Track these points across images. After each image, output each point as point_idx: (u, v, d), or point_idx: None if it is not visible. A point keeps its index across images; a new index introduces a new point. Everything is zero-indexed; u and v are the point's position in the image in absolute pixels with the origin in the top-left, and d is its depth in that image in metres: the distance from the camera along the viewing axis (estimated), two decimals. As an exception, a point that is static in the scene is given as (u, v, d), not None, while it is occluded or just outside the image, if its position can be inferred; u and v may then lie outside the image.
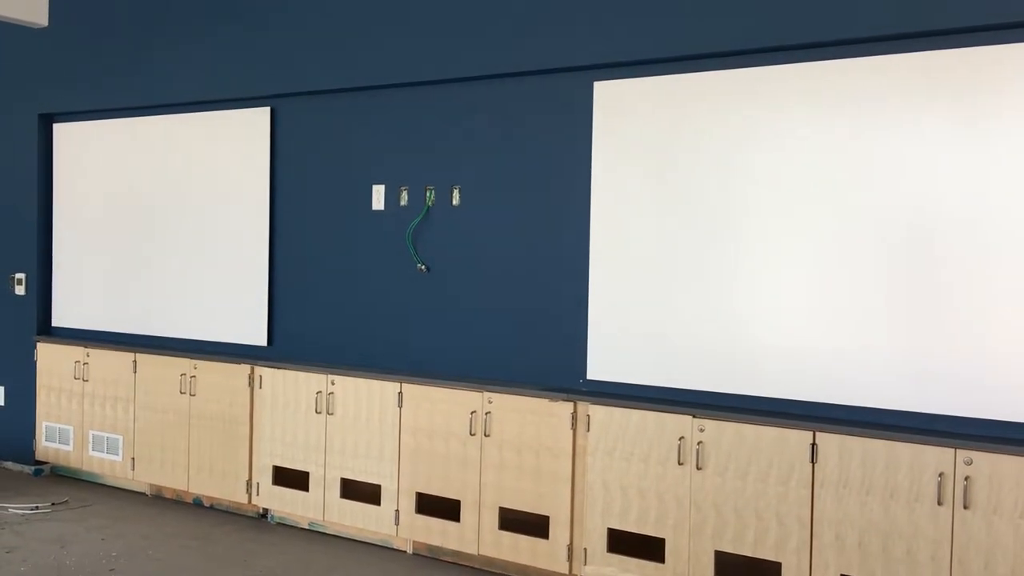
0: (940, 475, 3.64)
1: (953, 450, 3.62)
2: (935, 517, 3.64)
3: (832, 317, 4.01)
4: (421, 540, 4.92)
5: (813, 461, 3.89)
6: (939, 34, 3.77)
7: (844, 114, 3.98)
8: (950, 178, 3.77)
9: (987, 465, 3.56)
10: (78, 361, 6.29)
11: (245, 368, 5.55)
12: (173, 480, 5.84)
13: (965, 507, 3.58)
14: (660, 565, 4.21)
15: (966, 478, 3.59)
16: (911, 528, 3.68)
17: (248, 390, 5.53)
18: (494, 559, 4.69)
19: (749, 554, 4.01)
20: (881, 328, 3.90)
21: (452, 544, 4.79)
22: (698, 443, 4.14)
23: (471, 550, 4.73)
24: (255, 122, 5.71)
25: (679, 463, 4.18)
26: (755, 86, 4.17)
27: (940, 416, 3.78)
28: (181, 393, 5.79)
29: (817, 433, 3.89)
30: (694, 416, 4.16)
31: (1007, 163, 3.67)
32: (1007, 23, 3.64)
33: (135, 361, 6.01)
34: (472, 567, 4.77)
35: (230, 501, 5.64)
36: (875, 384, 3.91)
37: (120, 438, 6.08)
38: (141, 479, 6.01)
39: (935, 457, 3.65)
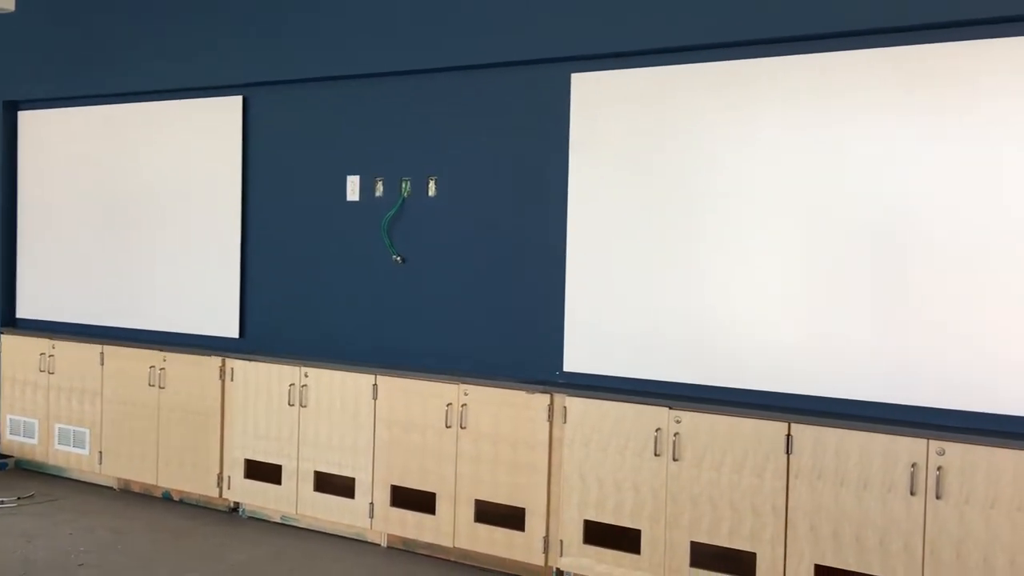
0: (913, 466, 3.68)
1: (926, 441, 3.67)
2: (908, 507, 3.69)
3: (807, 310, 4.04)
4: (396, 533, 4.89)
5: (788, 452, 3.92)
6: (914, 29, 3.81)
7: (821, 108, 4.01)
8: (925, 172, 3.82)
9: (959, 456, 3.61)
10: (43, 353, 6.17)
11: (216, 360, 5.48)
12: (142, 474, 5.75)
13: (937, 497, 3.63)
14: (636, 556, 4.22)
15: (938, 468, 3.64)
16: (884, 518, 3.73)
17: (219, 383, 5.46)
18: (470, 552, 4.68)
19: (724, 545, 4.04)
20: (856, 321, 3.94)
21: (427, 537, 4.77)
22: (674, 435, 4.15)
23: (447, 543, 4.71)
24: (227, 111, 5.63)
25: (655, 454, 4.19)
26: (733, 79, 4.19)
27: (913, 407, 3.83)
28: (150, 386, 5.70)
29: (792, 424, 3.92)
30: (670, 408, 4.18)
31: (982, 158, 3.72)
32: (981, 19, 3.68)
33: (103, 353, 5.92)
34: (448, 560, 4.76)
35: (200, 495, 5.57)
36: (849, 376, 3.95)
37: (87, 431, 5.98)
38: (109, 473, 5.91)
39: (908, 448, 3.70)
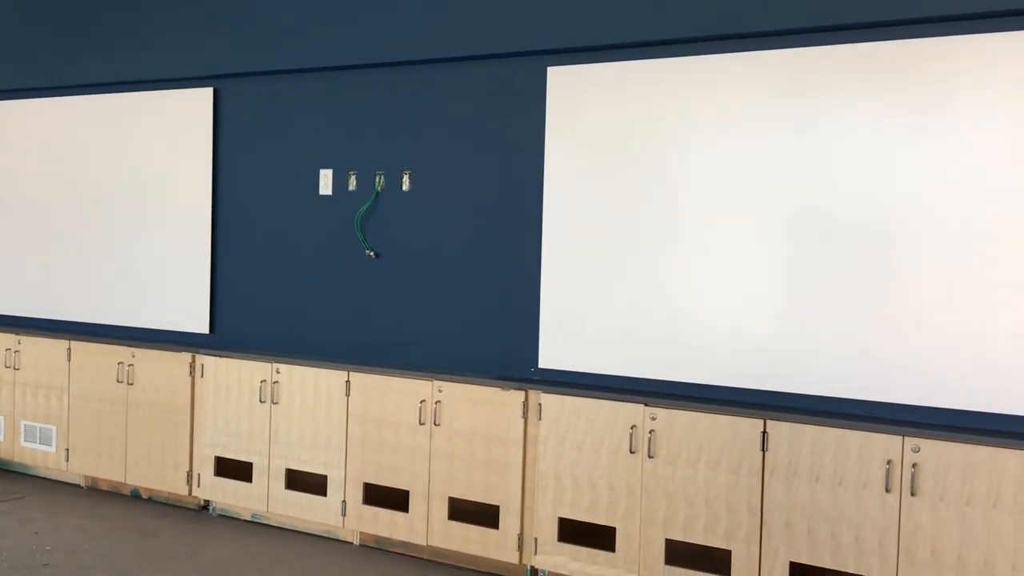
0: (888, 462, 3.68)
1: (901, 437, 3.66)
2: (883, 504, 3.68)
3: (783, 306, 4.03)
4: (369, 531, 4.83)
5: (764, 449, 3.91)
6: (893, 24, 3.79)
7: (798, 104, 3.99)
8: (902, 169, 3.81)
9: (934, 452, 3.60)
10: (8, 349, 6.05)
11: (186, 356, 5.39)
12: (110, 471, 5.65)
13: (912, 494, 3.63)
14: (611, 554, 4.19)
15: (913, 465, 3.63)
16: (859, 515, 3.72)
17: (189, 379, 5.37)
18: (443, 550, 4.63)
19: (700, 542, 4.02)
20: (832, 318, 3.92)
21: (400, 535, 4.72)
22: (650, 431, 4.12)
23: (420, 541, 4.66)
24: (197, 103, 5.54)
25: (631, 452, 4.16)
26: (710, 74, 4.16)
27: (889, 404, 3.82)
28: (118, 382, 5.60)
29: (768, 421, 3.91)
30: (646, 405, 4.15)
31: (954, 155, 3.71)
32: (952, 15, 3.67)
33: (69, 349, 5.80)
34: (421, 558, 4.71)
35: (170, 493, 5.48)
36: (825, 373, 3.94)
37: (53, 428, 5.87)
38: (76, 471, 5.81)
39: (883, 444, 3.69)
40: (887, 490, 3.67)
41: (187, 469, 5.37)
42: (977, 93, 3.66)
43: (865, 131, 3.86)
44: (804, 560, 3.82)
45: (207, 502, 5.40)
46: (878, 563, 3.68)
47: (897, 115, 3.80)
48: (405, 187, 4.94)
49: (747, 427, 3.94)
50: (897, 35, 3.80)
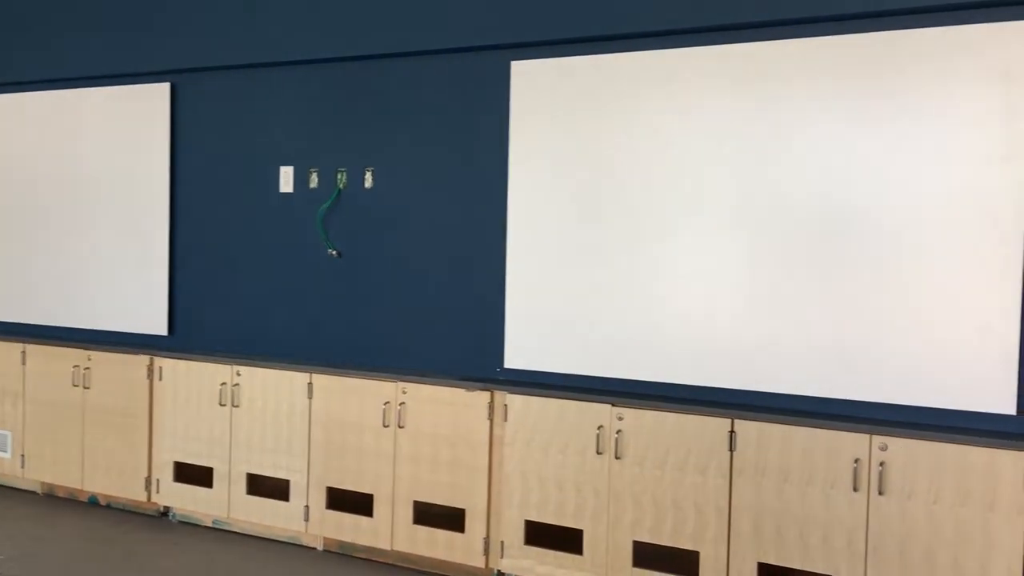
0: (856, 461, 3.64)
1: (869, 436, 3.63)
2: (851, 503, 3.65)
3: (750, 305, 3.98)
4: (332, 536, 4.74)
5: (732, 449, 3.86)
6: (858, 17, 3.75)
7: (762, 100, 3.94)
8: (863, 164, 3.77)
9: (902, 451, 3.57)
10: (-39, 352, 5.88)
11: (144, 359, 5.26)
12: (67, 478, 5.50)
13: (880, 493, 3.60)
14: (578, 557, 4.13)
15: (881, 464, 3.60)
16: (827, 515, 3.68)
17: (147, 382, 5.24)
18: (408, 554, 4.55)
19: (667, 544, 3.97)
20: (798, 315, 3.88)
21: (365, 540, 4.63)
22: (617, 432, 4.07)
23: (384, 545, 4.58)
24: (154, 98, 5.40)
25: (598, 453, 4.10)
26: (674, 68, 4.10)
27: (856, 402, 3.78)
28: (74, 386, 5.46)
29: (735, 421, 3.86)
30: (613, 405, 4.09)
31: (917, 148, 3.67)
32: (913, 8, 3.63)
33: (24, 352, 5.65)
34: (386, 563, 4.62)
35: (128, 499, 5.35)
36: (793, 371, 3.89)
37: (8, 434, 5.71)
38: (31, 477, 5.65)
39: (851, 443, 3.65)
40: (855, 489, 3.64)
41: (146, 475, 5.24)
42: (941, 85, 3.63)
43: (829, 126, 3.82)
44: (772, 561, 3.78)
45: (167, 508, 5.27)
46: (846, 563, 3.65)
47: (860, 109, 3.76)
48: (368, 184, 4.84)
49: (715, 427, 3.89)
50: (860, 28, 3.76)
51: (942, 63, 3.62)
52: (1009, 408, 3.53)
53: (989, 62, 3.55)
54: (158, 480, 5.21)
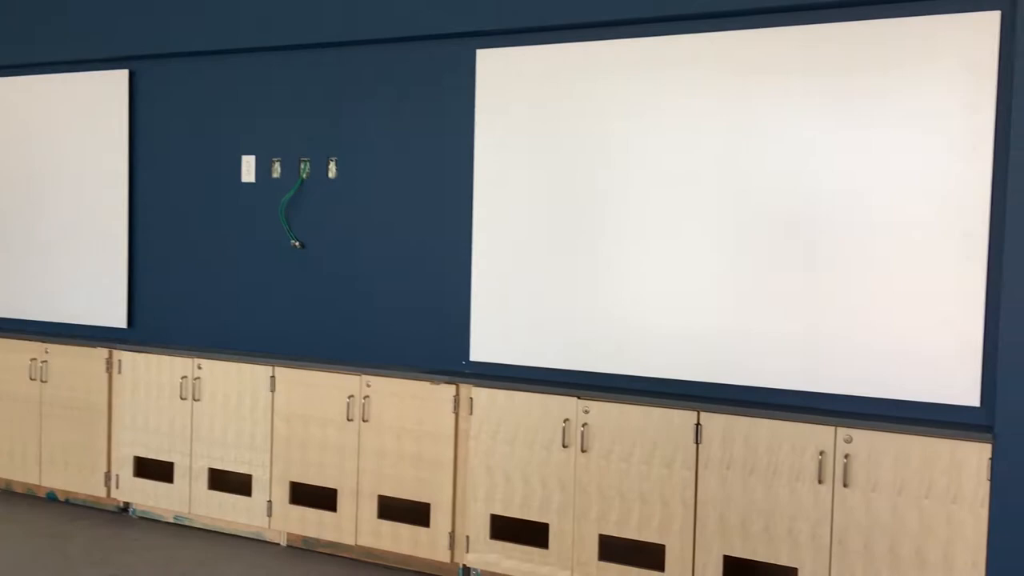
0: (821, 453, 3.63)
1: (833, 428, 3.62)
2: (816, 495, 3.64)
3: (716, 297, 3.95)
4: (295, 532, 4.67)
5: (697, 442, 3.84)
6: (830, 7, 3.72)
7: (733, 91, 3.90)
8: (836, 158, 3.74)
9: (866, 443, 3.57)
10: (-86, 345, 5.73)
11: (103, 352, 5.15)
12: (24, 474, 5.38)
13: (845, 485, 3.59)
14: (544, 551, 4.10)
15: (846, 456, 3.60)
16: (793, 507, 3.67)
17: (106, 375, 5.14)
18: (373, 549, 4.49)
19: (633, 537, 3.94)
20: (764, 308, 3.86)
21: (328, 535, 4.57)
22: (583, 425, 4.03)
23: (349, 540, 4.52)
24: (112, 85, 5.27)
25: (563, 446, 4.07)
26: (642, 58, 4.06)
27: (821, 395, 3.77)
28: (31, 379, 5.33)
29: (701, 413, 3.84)
30: (579, 398, 4.05)
31: (886, 141, 3.66)
32: (886, -1, 3.63)
33: (-21, 345, 5.52)
34: (350, 558, 4.56)
35: (88, 495, 5.25)
36: (759, 363, 3.87)
37: (-37, 429, 5.58)
38: (-12, 473, 5.54)
39: (816, 435, 3.65)
40: (820, 481, 3.63)
41: (105, 470, 5.14)
42: (909, 78, 3.60)
43: (799, 118, 3.79)
44: (738, 553, 3.77)
45: (127, 504, 5.18)
46: (811, 555, 3.64)
47: (829, 102, 3.73)
48: (331, 174, 4.76)
49: (681, 419, 3.87)
50: (830, 18, 3.73)
51: (911, 55, 3.60)
52: (973, 400, 3.54)
53: (955, 54, 3.54)
54: (118, 475, 5.11)
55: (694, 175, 3.98)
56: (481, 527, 4.22)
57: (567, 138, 4.21)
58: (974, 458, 3.43)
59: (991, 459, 3.40)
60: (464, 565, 4.31)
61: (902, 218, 3.64)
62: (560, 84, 4.22)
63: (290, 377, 4.66)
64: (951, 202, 3.56)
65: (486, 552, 4.22)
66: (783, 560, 3.69)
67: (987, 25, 3.49)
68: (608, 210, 4.14)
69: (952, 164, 3.56)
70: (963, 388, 3.55)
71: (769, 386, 3.86)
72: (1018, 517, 3.36)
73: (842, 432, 3.61)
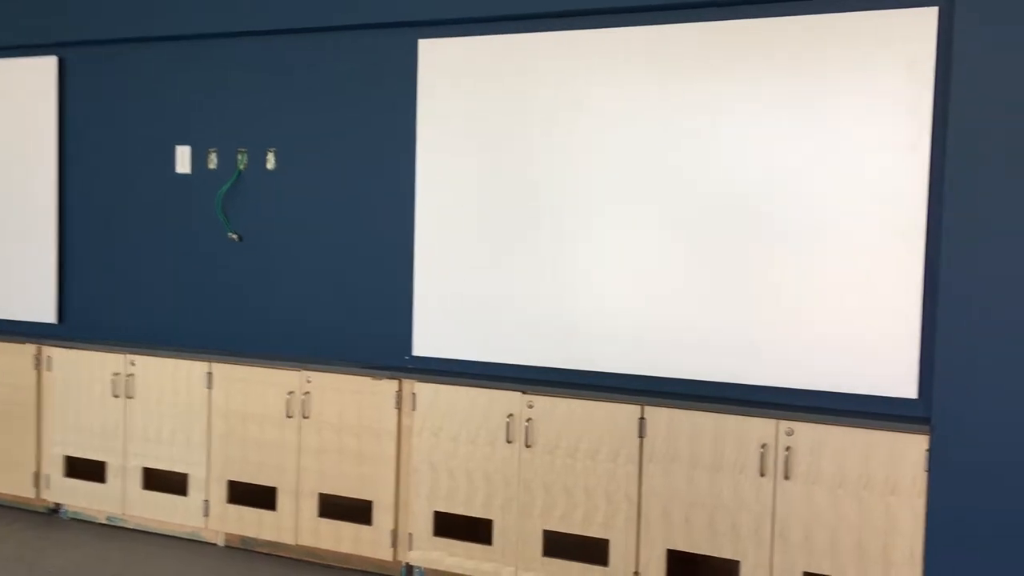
0: (763, 446, 3.65)
1: (775, 421, 3.64)
2: (758, 488, 3.66)
3: (659, 291, 3.94)
4: (233, 531, 4.56)
5: (641, 436, 3.83)
6: (760, 2, 3.72)
7: (670, 83, 3.88)
8: (770, 151, 3.75)
9: (807, 436, 3.60)
10: None
11: (31, 347, 4.97)
12: (-52, 475, 5.19)
13: (786, 477, 3.61)
14: (488, 547, 4.06)
15: (787, 448, 3.62)
16: (736, 501, 3.69)
17: (35, 372, 4.96)
18: (314, 548, 4.40)
19: (578, 533, 3.92)
20: (707, 301, 3.86)
21: (268, 535, 4.47)
22: (527, 420, 4.00)
23: (289, 540, 4.43)
24: (39, 73, 5.07)
25: (508, 441, 4.03)
26: (589, 49, 4.02)
27: (764, 387, 3.78)
28: (-45, 377, 5.14)
29: (645, 407, 3.83)
30: (523, 392, 4.02)
31: (825, 136, 3.67)
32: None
33: (-101, 342, 5.29)
34: (290, 558, 4.47)
35: (16, 496, 5.06)
36: (702, 357, 3.86)
37: None
38: (-91, 475, 5.31)
39: (758, 428, 3.66)
40: (762, 474, 3.65)
41: (34, 470, 4.97)
42: (852, 73, 3.60)
43: (739, 113, 3.79)
44: (681, 547, 3.77)
45: (58, 505, 5.01)
46: (753, 548, 3.66)
47: (769, 95, 3.74)
48: (270, 166, 4.65)
49: (625, 414, 3.85)
50: (771, 12, 3.73)
51: (854, 51, 3.61)
52: (911, 392, 3.57)
53: (896, 50, 3.56)
54: (48, 476, 4.94)
55: (636, 170, 3.95)
56: (424, 524, 4.17)
57: (510, 130, 4.16)
58: (912, 450, 3.47)
59: (928, 450, 3.45)
60: (407, 563, 4.25)
61: (840, 213, 3.66)
62: (504, 75, 4.16)
63: (228, 373, 4.54)
64: (889, 198, 3.59)
65: (429, 550, 4.16)
66: (726, 553, 3.71)
67: (925, 21, 3.52)
68: (551, 204, 4.10)
69: (893, 159, 3.58)
70: (901, 380, 3.58)
71: (713, 379, 3.86)
72: (954, 508, 3.41)
73: (784, 425, 3.63)
